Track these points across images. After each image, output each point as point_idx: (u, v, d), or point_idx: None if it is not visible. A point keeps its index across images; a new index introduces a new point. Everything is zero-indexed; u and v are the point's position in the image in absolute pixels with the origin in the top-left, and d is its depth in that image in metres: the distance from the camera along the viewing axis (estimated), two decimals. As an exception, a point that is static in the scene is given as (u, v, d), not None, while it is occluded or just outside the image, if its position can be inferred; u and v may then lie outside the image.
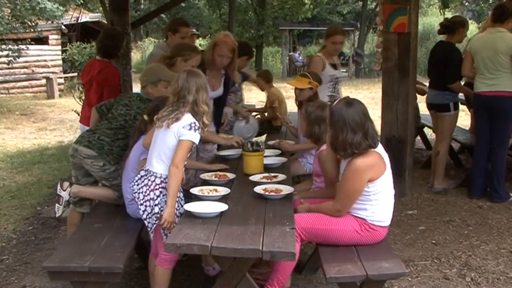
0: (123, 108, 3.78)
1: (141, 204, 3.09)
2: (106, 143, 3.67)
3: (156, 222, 3.08)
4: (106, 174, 3.66)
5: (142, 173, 3.15)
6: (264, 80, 6.09)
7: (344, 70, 23.83)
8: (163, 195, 3.06)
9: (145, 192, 3.08)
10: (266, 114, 6.11)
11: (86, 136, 3.74)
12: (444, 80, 5.40)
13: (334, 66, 5.25)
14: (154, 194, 3.07)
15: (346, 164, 3.05)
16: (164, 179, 3.08)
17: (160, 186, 3.08)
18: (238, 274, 2.78)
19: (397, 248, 4.11)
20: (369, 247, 3.07)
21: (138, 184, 3.13)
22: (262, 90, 6.29)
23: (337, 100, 3.19)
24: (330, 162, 3.25)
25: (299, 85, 4.33)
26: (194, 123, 3.04)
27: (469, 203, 5.19)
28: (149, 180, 3.09)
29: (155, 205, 3.07)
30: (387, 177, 3.07)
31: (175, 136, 3.04)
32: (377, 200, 3.04)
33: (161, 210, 3.04)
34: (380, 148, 3.10)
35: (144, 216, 3.10)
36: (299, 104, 4.46)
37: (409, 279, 3.64)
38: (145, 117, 3.46)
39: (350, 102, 3.06)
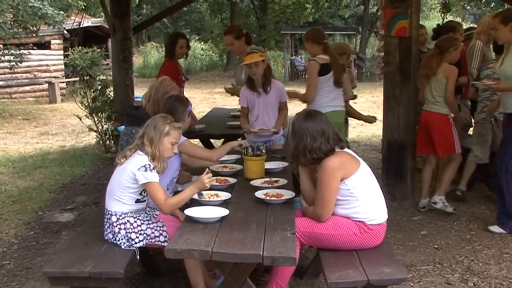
0: None
1: (118, 242, 3.11)
2: None
3: (143, 240, 3.11)
4: None
5: (105, 216, 3.18)
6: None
7: (346, 74, 23.89)
8: (124, 229, 3.09)
9: (111, 231, 3.12)
10: None
11: None
12: None
13: None
14: (118, 229, 3.09)
15: (318, 170, 3.08)
16: (120, 216, 3.11)
17: (118, 223, 3.11)
18: (239, 279, 2.77)
19: (399, 253, 4.09)
20: (371, 252, 3.06)
21: (105, 230, 3.17)
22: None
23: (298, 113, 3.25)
24: (305, 182, 3.24)
25: (255, 59, 4.27)
26: (149, 164, 3.04)
27: (471, 207, 5.17)
28: (108, 219, 3.14)
29: (124, 236, 3.09)
30: (363, 173, 3.09)
31: (130, 177, 3.05)
32: (360, 195, 3.04)
33: (129, 236, 3.08)
34: (349, 151, 3.17)
35: (129, 246, 3.10)
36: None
37: (411, 284, 3.62)
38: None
39: (310, 113, 3.15)
